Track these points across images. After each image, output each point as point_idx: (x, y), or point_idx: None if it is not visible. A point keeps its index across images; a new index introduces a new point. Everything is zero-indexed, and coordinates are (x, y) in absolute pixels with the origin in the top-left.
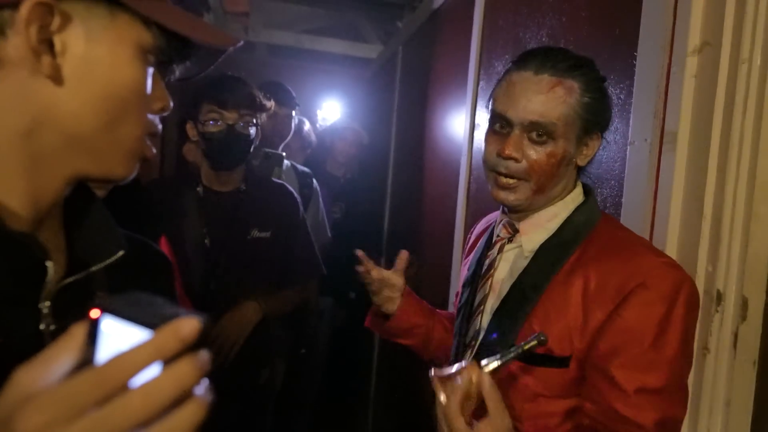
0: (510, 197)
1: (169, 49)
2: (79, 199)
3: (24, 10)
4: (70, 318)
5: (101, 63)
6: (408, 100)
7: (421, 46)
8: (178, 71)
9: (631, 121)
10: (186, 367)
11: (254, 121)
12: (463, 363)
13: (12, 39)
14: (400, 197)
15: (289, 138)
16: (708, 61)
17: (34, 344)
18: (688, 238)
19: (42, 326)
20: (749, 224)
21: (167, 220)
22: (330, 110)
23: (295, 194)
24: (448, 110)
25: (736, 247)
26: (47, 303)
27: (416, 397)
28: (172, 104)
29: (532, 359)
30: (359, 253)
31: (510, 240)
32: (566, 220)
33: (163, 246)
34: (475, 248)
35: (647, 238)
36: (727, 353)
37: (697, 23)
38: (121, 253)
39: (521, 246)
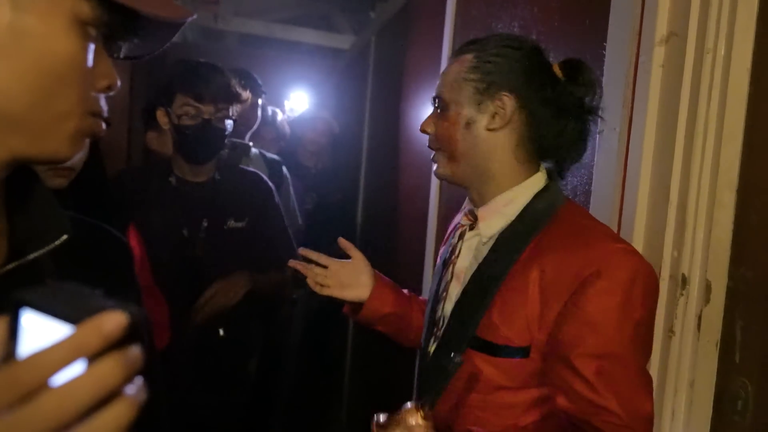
0: (437, 170)
1: (111, 22)
2: (21, 183)
3: None
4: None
5: (31, 34)
6: (381, 90)
7: (394, 36)
8: (126, 48)
9: (600, 111)
10: (109, 366)
11: (230, 113)
12: (406, 406)
13: None
14: (374, 187)
15: (255, 127)
16: (674, 51)
17: None
18: (654, 225)
19: None
20: (713, 211)
21: (137, 210)
22: (298, 100)
23: (268, 181)
24: (421, 100)
25: (700, 232)
26: None
27: (390, 383)
28: (119, 83)
29: (493, 350)
30: (341, 240)
31: (471, 227)
32: (526, 206)
33: (132, 236)
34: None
35: (615, 224)
36: (691, 335)
37: (664, 14)
38: (64, 237)
39: (480, 233)
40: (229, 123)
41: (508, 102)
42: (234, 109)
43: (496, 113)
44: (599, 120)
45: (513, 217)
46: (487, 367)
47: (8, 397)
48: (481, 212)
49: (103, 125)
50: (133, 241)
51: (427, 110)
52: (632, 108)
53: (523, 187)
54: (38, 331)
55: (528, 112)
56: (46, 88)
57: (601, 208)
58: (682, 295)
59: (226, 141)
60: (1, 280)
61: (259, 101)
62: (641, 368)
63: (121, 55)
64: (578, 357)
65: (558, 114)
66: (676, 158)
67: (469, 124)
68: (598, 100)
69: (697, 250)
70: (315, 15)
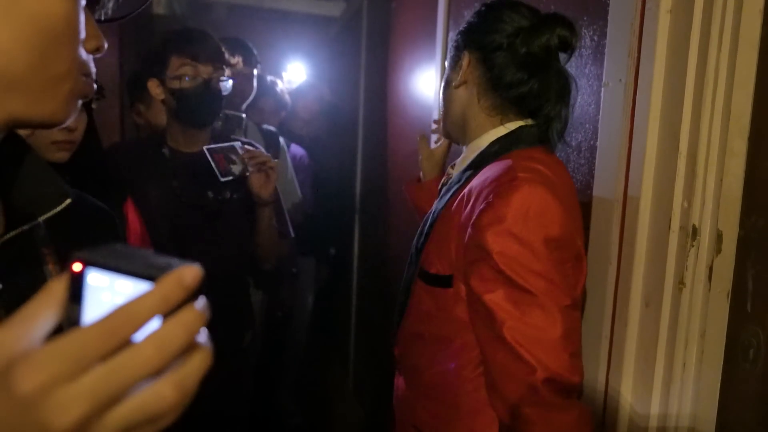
0: (439, 129)
1: None
2: (10, 151)
3: None
4: (17, 274)
5: None
6: (375, 57)
7: (386, 1)
8: (109, 8)
9: (605, 63)
10: (192, 315)
11: (226, 75)
12: None
13: None
14: (371, 154)
15: (251, 98)
16: None
17: None
18: (663, 177)
19: None
20: (724, 159)
21: (133, 182)
22: (295, 72)
23: (264, 151)
24: (417, 66)
25: (711, 182)
26: None
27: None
28: (106, 45)
29: (428, 279)
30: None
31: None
32: (482, 150)
33: (130, 208)
34: None
35: (623, 178)
36: (702, 286)
37: None
38: (68, 201)
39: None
40: (225, 85)
41: (466, 58)
42: (228, 73)
43: (459, 69)
44: (603, 72)
45: (472, 160)
46: (425, 295)
47: (101, 349)
48: (457, 162)
49: (95, 86)
50: (132, 216)
51: (420, 78)
52: (638, 58)
53: (487, 135)
54: (108, 288)
55: (486, 66)
56: (43, 49)
57: (607, 163)
58: (692, 246)
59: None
60: (3, 249)
61: (255, 72)
62: (544, 295)
63: (102, 18)
64: (475, 279)
65: (516, 66)
66: (685, 108)
67: (447, 85)
68: (568, 54)
69: (707, 200)
70: None
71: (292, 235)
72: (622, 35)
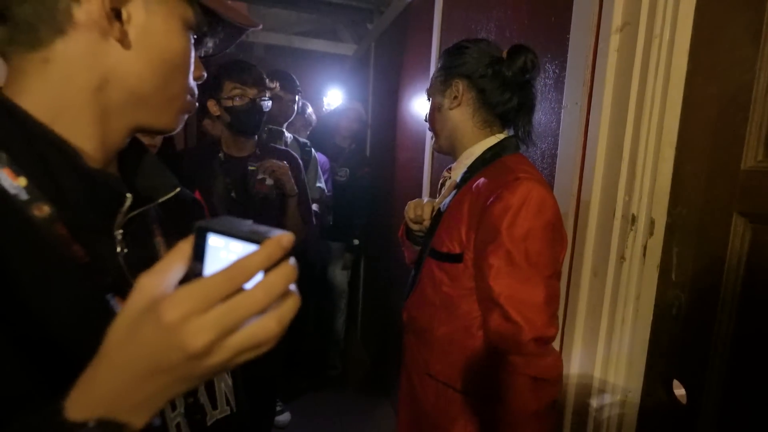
0: (433, 145)
1: (204, 25)
2: (131, 150)
3: None
4: (136, 243)
5: (158, 32)
6: (380, 88)
7: (390, 42)
8: (206, 48)
9: (564, 89)
10: (289, 269)
11: (267, 96)
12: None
13: (84, 5)
14: (377, 164)
15: (292, 118)
16: (628, 37)
17: (113, 264)
18: (609, 177)
19: (118, 249)
20: (657, 163)
21: (198, 179)
22: (334, 97)
23: (298, 159)
24: (414, 93)
25: (646, 181)
26: (120, 231)
27: (393, 316)
28: (205, 74)
29: (439, 257)
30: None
31: (450, 178)
32: (478, 156)
33: (198, 198)
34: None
35: (577, 179)
36: (638, 260)
37: (619, 7)
38: (178, 189)
39: (452, 179)
40: (266, 104)
41: (460, 85)
42: (268, 94)
43: (453, 96)
44: (564, 97)
45: (469, 165)
46: (437, 270)
47: (224, 291)
48: (454, 166)
49: (196, 105)
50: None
51: (419, 101)
52: (591, 86)
53: (480, 144)
54: (224, 248)
55: (477, 89)
56: (166, 75)
57: (565, 167)
58: (631, 230)
59: (265, 127)
60: (128, 223)
61: (297, 97)
62: (535, 269)
63: (202, 54)
64: (484, 257)
65: (502, 88)
66: (627, 124)
67: (439, 108)
68: (534, 75)
69: (644, 194)
70: (325, 28)
71: (314, 222)
72: (578, 68)
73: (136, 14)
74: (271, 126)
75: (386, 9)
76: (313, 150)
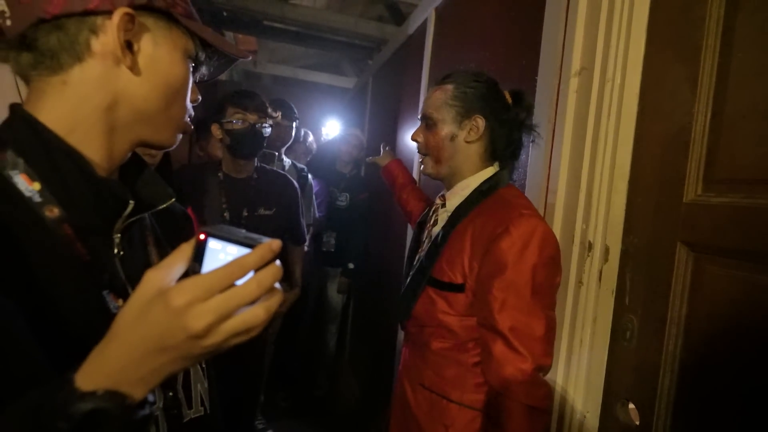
0: (425, 169)
1: (202, 55)
2: (131, 163)
3: (116, 17)
4: (131, 247)
5: (163, 61)
6: (376, 116)
7: (386, 76)
8: (202, 75)
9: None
10: (276, 269)
11: (268, 123)
12: None
13: (101, 37)
14: (371, 188)
15: (289, 143)
16: (585, 80)
17: (111, 265)
18: (569, 205)
19: (115, 251)
20: (611, 195)
21: (193, 196)
22: (332, 127)
23: (295, 184)
24: (405, 122)
25: (602, 211)
26: (118, 235)
27: (384, 328)
28: (200, 98)
29: (441, 286)
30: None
31: (443, 205)
32: (475, 188)
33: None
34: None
35: (542, 206)
36: (594, 285)
37: (577, 54)
38: (173, 199)
39: (446, 208)
40: (266, 130)
41: (480, 122)
42: (270, 122)
43: (471, 129)
44: (533, 132)
45: (466, 196)
46: (437, 298)
47: (224, 284)
48: (448, 194)
49: (191, 126)
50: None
51: (413, 126)
52: (555, 123)
53: (477, 176)
54: (221, 250)
55: (491, 128)
56: (168, 97)
57: (532, 194)
58: (588, 256)
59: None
60: (126, 228)
61: (294, 124)
62: (539, 300)
63: (197, 79)
64: (489, 289)
65: (510, 129)
66: (585, 158)
67: (453, 138)
68: (531, 119)
69: (599, 223)
70: (328, 63)
71: (306, 241)
72: (544, 108)
73: (145, 46)
74: (266, 150)
75: (384, 46)
76: (309, 175)
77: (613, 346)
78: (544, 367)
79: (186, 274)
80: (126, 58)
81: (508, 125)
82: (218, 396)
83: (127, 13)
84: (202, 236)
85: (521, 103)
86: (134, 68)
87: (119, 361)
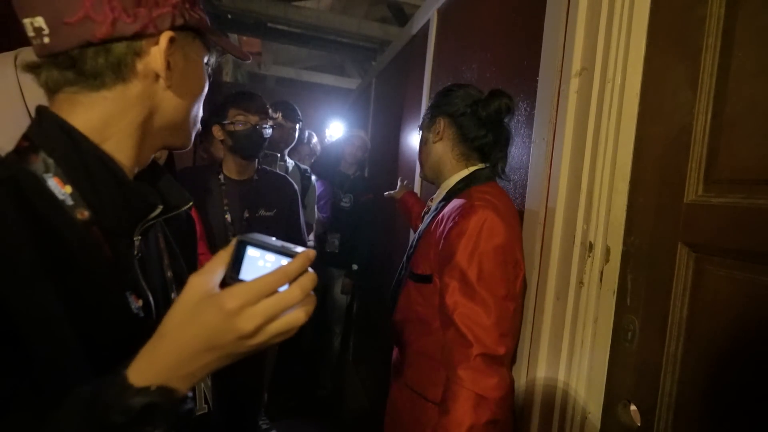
0: (419, 174)
1: (213, 61)
2: (148, 167)
3: (163, 41)
4: (148, 249)
5: (192, 73)
6: (379, 117)
7: (389, 77)
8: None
9: (534, 127)
10: (313, 275)
11: (269, 124)
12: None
13: (144, 58)
14: (376, 193)
15: (292, 145)
16: (585, 81)
17: (131, 266)
18: (570, 207)
19: (135, 252)
20: (611, 195)
21: (195, 198)
22: (335, 129)
23: (295, 185)
24: (408, 123)
25: (602, 211)
26: (138, 237)
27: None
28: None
29: (415, 278)
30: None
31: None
32: (452, 187)
33: (193, 215)
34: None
35: (543, 208)
36: (595, 286)
37: (578, 54)
38: (191, 203)
39: (430, 209)
40: (267, 131)
41: (441, 122)
42: (270, 123)
43: (436, 131)
44: (533, 133)
45: (443, 195)
46: (413, 290)
47: (270, 289)
48: (434, 196)
49: (199, 127)
50: (195, 220)
51: (415, 126)
52: (555, 124)
53: (455, 176)
54: (258, 257)
55: (457, 126)
56: (193, 105)
57: (533, 196)
58: (589, 256)
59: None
60: (145, 230)
61: (297, 126)
62: (485, 288)
63: None
64: (442, 276)
65: (479, 125)
66: (585, 159)
67: (426, 142)
68: (509, 116)
69: (600, 224)
70: (332, 64)
71: (306, 244)
72: (545, 107)
73: (179, 61)
74: (267, 151)
75: (387, 48)
76: (313, 177)
77: (614, 347)
78: (492, 355)
79: (225, 279)
80: (164, 76)
81: (474, 122)
82: (221, 394)
83: (172, 37)
84: (241, 243)
85: (488, 102)
86: (170, 84)
87: (170, 358)
